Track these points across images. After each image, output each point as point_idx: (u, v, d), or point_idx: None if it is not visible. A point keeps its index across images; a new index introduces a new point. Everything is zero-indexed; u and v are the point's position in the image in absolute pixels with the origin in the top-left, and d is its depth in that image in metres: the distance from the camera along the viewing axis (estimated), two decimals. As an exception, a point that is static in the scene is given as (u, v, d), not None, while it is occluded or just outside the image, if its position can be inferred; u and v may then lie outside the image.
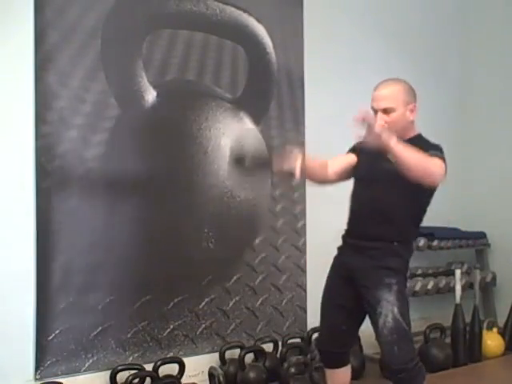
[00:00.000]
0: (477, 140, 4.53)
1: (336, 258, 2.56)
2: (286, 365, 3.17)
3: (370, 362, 3.42)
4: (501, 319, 4.16)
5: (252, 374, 3.09)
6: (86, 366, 2.89)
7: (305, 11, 3.69)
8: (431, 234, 4.04)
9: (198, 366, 3.17)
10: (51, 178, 2.80)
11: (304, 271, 3.66)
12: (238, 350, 3.17)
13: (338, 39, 3.84)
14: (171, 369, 3.00)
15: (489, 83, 4.49)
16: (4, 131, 2.72)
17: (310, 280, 3.61)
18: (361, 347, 3.48)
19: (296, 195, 3.63)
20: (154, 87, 3.10)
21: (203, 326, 3.26)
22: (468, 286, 4.03)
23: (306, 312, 3.64)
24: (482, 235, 4.39)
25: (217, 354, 3.20)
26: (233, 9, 3.33)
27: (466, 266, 4.24)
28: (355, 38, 3.94)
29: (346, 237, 2.54)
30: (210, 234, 3.25)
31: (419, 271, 4.03)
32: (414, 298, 3.92)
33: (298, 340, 3.45)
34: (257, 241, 3.47)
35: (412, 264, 4.01)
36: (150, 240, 3.10)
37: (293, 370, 3.14)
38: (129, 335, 3.01)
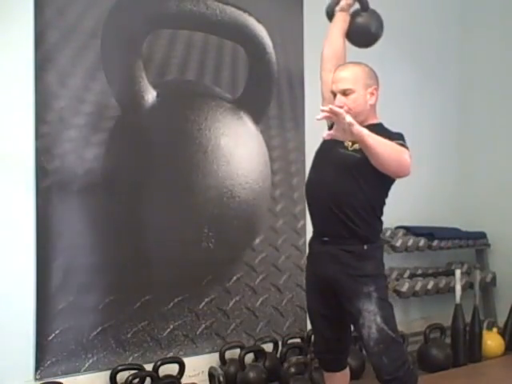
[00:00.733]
0: (477, 140, 4.53)
1: (307, 268, 2.51)
2: (286, 365, 3.17)
3: (369, 362, 3.41)
4: (501, 319, 4.16)
5: (252, 374, 3.09)
6: (86, 366, 2.89)
7: (305, 11, 3.69)
8: (431, 234, 4.04)
9: (198, 366, 3.17)
10: (51, 178, 2.80)
11: (304, 271, 3.65)
12: (238, 350, 3.17)
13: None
14: (171, 369, 3.00)
15: (489, 83, 4.49)
16: (4, 131, 2.71)
17: (310, 280, 3.61)
18: (360, 347, 3.48)
19: (296, 195, 3.63)
20: (154, 87, 3.09)
21: (203, 326, 3.26)
22: (468, 286, 4.03)
23: (306, 312, 3.63)
24: (482, 235, 4.39)
25: (217, 354, 3.20)
26: (233, 9, 3.33)
27: (465, 266, 4.23)
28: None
29: (312, 240, 2.47)
30: (210, 234, 3.25)
31: (419, 271, 4.03)
32: (414, 298, 3.93)
33: (298, 340, 3.45)
34: (257, 241, 3.47)
35: (412, 264, 4.08)
36: (149, 240, 3.11)
37: (293, 369, 3.14)
38: (129, 335, 3.01)
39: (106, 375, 2.88)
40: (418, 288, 3.87)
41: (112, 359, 2.95)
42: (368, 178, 2.27)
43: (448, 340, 3.66)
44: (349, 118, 2.08)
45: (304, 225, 3.64)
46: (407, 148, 2.26)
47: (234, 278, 3.37)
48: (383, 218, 2.43)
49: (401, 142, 2.27)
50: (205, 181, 3.24)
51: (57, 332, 2.79)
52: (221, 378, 2.99)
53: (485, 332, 3.82)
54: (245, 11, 3.37)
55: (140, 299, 3.04)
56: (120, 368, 2.88)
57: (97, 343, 2.91)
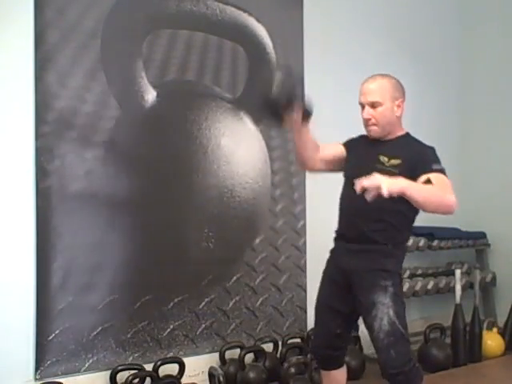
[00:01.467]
0: (477, 140, 4.54)
1: (329, 261, 2.53)
2: (285, 365, 3.17)
3: (369, 362, 3.41)
4: (501, 319, 4.16)
5: (252, 374, 3.09)
6: (86, 365, 2.89)
7: (305, 11, 3.69)
8: (431, 234, 4.04)
9: (198, 366, 3.17)
10: (51, 178, 2.80)
11: (304, 271, 3.66)
12: (238, 350, 3.17)
13: (337, 39, 3.84)
14: (171, 369, 3.00)
15: (489, 83, 4.49)
16: (4, 131, 2.71)
17: (310, 280, 3.60)
18: (361, 347, 3.48)
19: (296, 195, 3.63)
20: (154, 87, 3.10)
21: (203, 326, 3.26)
22: (468, 286, 4.04)
23: (305, 312, 3.64)
24: (481, 235, 4.39)
25: (217, 354, 3.20)
26: (233, 9, 3.33)
27: (466, 266, 4.24)
28: (355, 39, 3.94)
29: (337, 239, 2.50)
30: (210, 234, 3.25)
31: (419, 271, 4.03)
32: (414, 298, 3.92)
33: (298, 340, 3.45)
34: (257, 241, 3.47)
35: (412, 264, 4.07)
36: (149, 240, 3.10)
37: (293, 369, 3.14)
38: (129, 335, 3.01)
39: (105, 375, 2.89)
40: (418, 288, 3.88)
41: (112, 359, 2.95)
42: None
43: (448, 340, 3.66)
44: (385, 187, 2.03)
45: (304, 225, 3.65)
46: (444, 174, 2.23)
47: (234, 278, 3.38)
48: None
49: (439, 167, 2.24)
50: (205, 181, 3.24)
51: (57, 332, 2.80)
52: (221, 378, 2.99)
53: (485, 332, 3.82)
54: (245, 11, 3.38)
55: (140, 299, 3.04)
56: (120, 368, 2.88)
57: (97, 343, 2.91)
